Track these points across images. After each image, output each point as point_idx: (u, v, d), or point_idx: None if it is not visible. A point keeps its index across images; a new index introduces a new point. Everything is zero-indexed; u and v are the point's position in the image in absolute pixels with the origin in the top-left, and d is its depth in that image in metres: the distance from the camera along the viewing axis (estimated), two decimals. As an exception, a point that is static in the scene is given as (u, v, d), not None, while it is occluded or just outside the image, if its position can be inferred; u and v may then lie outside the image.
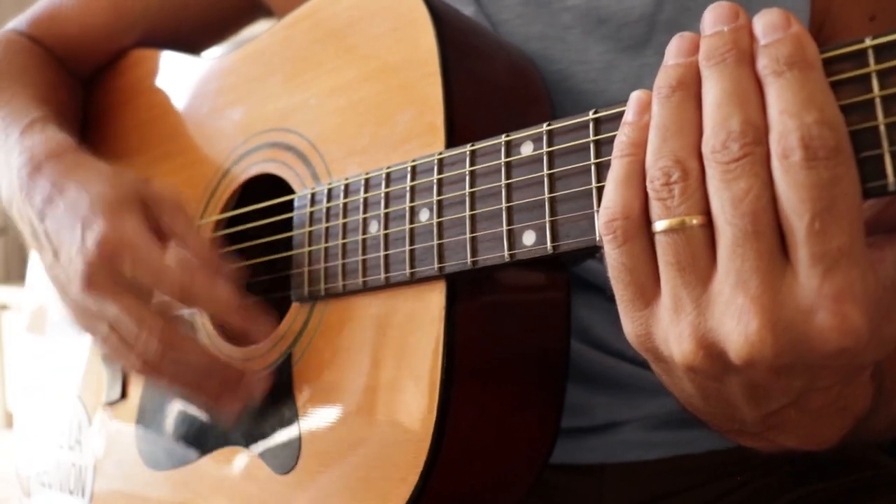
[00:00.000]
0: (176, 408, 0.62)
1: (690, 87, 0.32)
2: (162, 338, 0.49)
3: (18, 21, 0.80)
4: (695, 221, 0.30)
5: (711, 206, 0.30)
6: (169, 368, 0.50)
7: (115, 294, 0.49)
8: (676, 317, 0.31)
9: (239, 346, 0.58)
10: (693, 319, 0.31)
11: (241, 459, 0.55)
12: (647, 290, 0.33)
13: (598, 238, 0.36)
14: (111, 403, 0.67)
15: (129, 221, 0.51)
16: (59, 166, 0.57)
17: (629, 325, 0.34)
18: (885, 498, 0.53)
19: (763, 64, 0.30)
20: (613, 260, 0.33)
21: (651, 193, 0.31)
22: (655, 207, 0.31)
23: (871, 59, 0.29)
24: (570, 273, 0.54)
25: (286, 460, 0.52)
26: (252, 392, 0.51)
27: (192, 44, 0.79)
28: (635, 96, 0.34)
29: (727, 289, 0.29)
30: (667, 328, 0.32)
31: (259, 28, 0.70)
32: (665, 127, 0.32)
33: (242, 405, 0.52)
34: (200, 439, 0.59)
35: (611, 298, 0.35)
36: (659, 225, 0.31)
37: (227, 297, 0.50)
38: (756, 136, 0.29)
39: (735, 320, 0.29)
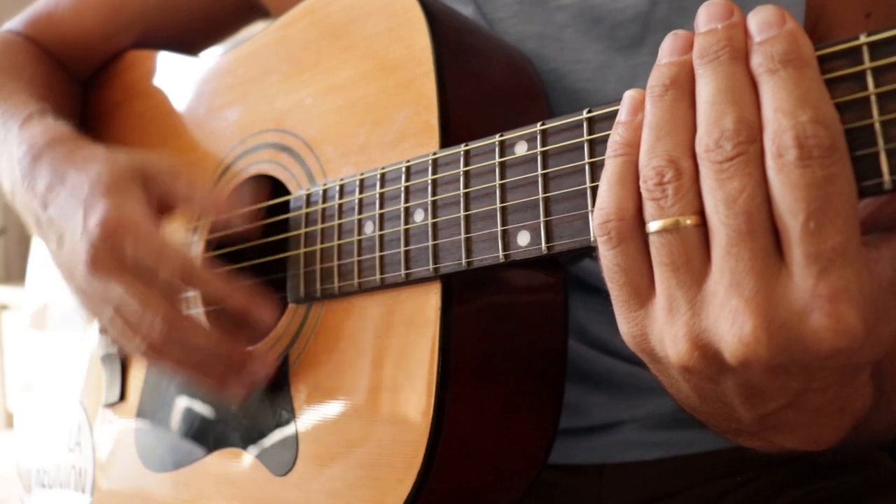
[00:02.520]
0: (175, 409, 0.62)
1: (684, 85, 0.32)
2: (166, 319, 0.48)
3: (16, 21, 0.80)
4: (689, 221, 0.30)
5: (705, 205, 0.30)
6: (173, 351, 0.49)
7: (120, 275, 0.49)
8: (671, 317, 0.31)
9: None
10: (688, 320, 0.30)
11: (238, 461, 0.55)
12: (642, 290, 0.32)
13: (592, 238, 0.36)
14: (110, 405, 0.67)
15: (129, 201, 0.51)
16: (59, 153, 0.57)
17: (625, 326, 0.34)
18: (886, 498, 0.53)
19: (757, 62, 0.30)
20: (608, 261, 0.33)
21: (644, 193, 0.31)
22: (649, 207, 0.31)
23: (866, 57, 0.29)
24: (568, 272, 0.54)
25: (283, 462, 0.52)
26: (257, 376, 0.51)
27: (190, 44, 0.78)
28: (629, 95, 0.34)
29: (721, 289, 0.29)
30: (662, 329, 0.32)
31: (256, 28, 0.70)
32: (658, 126, 0.31)
33: (247, 389, 0.51)
34: (199, 441, 0.59)
35: (606, 296, 0.34)
36: (653, 225, 0.31)
37: (225, 279, 0.50)
38: (750, 135, 0.29)
39: (730, 321, 0.29)
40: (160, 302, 0.48)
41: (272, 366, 0.51)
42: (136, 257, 0.49)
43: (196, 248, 0.62)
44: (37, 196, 0.56)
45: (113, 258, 0.49)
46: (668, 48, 0.33)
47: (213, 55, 0.69)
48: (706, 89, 0.31)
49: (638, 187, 0.32)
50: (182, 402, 0.61)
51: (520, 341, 0.49)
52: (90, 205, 0.51)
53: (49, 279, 0.77)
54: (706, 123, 0.30)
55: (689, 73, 0.32)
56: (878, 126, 0.28)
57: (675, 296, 0.31)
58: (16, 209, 0.61)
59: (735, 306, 0.29)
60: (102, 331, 0.66)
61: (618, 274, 0.33)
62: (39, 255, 0.80)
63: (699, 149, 0.30)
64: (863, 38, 0.29)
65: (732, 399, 0.33)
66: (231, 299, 0.51)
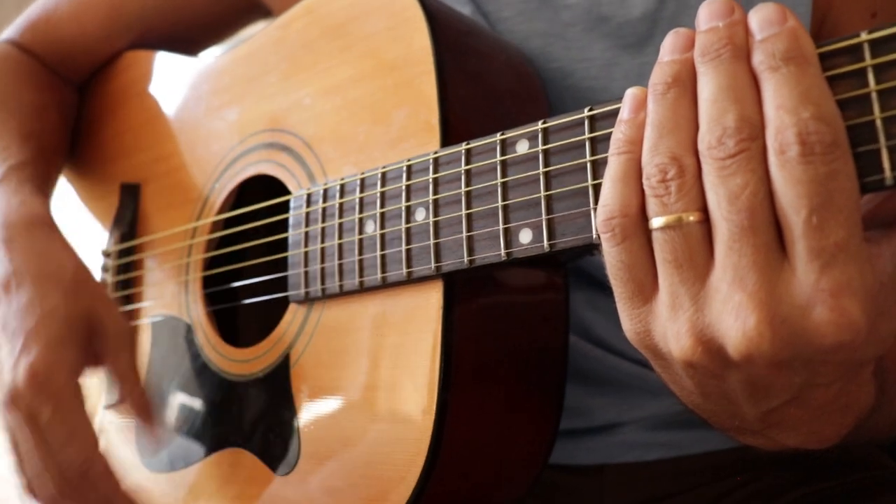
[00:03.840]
0: (175, 410, 0.62)
1: (686, 83, 0.32)
2: (58, 488, 0.51)
3: (15, 27, 0.80)
4: (692, 218, 0.30)
5: (708, 202, 0.30)
6: None
7: (30, 428, 0.52)
8: (674, 313, 0.31)
9: (237, 347, 0.58)
10: (691, 316, 0.30)
11: (240, 461, 0.55)
12: (646, 287, 0.32)
13: (594, 236, 0.36)
14: (111, 406, 0.67)
15: (64, 362, 0.53)
16: (27, 244, 0.59)
17: (628, 323, 0.34)
18: (886, 498, 0.52)
19: (759, 59, 0.30)
20: (612, 258, 0.33)
21: (648, 191, 0.31)
22: (652, 204, 0.31)
23: (868, 54, 0.29)
24: (572, 269, 0.54)
25: (286, 461, 0.52)
26: None
27: (190, 44, 0.78)
28: (631, 93, 0.34)
29: (724, 285, 0.29)
30: (665, 325, 0.32)
31: (257, 28, 0.70)
32: (661, 124, 0.32)
33: None
34: (200, 441, 0.59)
35: (611, 293, 0.34)
36: (656, 222, 0.31)
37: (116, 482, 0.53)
38: (752, 132, 0.29)
39: (733, 316, 0.29)
40: (58, 472, 0.51)
41: None
42: (49, 427, 0.51)
43: (197, 247, 0.62)
44: None
45: (29, 410, 0.52)
46: (669, 46, 0.33)
47: (211, 55, 0.69)
48: (708, 87, 0.31)
49: (641, 184, 0.32)
50: (182, 403, 0.61)
51: (521, 340, 0.49)
52: (28, 345, 0.53)
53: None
54: (708, 121, 0.30)
55: (691, 71, 0.32)
56: (879, 123, 0.28)
57: (679, 292, 0.31)
58: None
59: (738, 301, 0.29)
60: None
61: (621, 271, 0.33)
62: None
63: (701, 146, 0.30)
64: (864, 36, 0.29)
65: (736, 395, 0.33)
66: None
